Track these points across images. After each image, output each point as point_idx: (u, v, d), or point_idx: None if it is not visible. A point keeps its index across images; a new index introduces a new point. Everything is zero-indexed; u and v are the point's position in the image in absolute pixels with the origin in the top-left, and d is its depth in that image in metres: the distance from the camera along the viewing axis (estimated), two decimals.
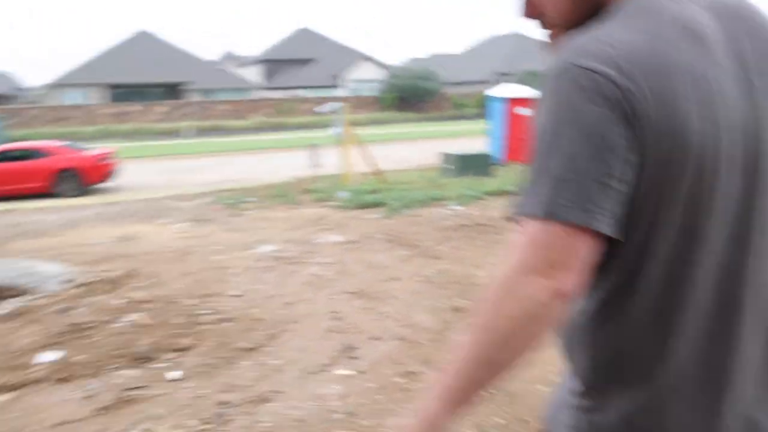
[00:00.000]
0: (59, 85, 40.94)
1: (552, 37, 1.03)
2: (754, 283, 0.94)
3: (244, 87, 45.22)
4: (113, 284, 5.30)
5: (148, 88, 40.73)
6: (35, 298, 4.94)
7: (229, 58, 62.68)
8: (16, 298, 5.00)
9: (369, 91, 45.91)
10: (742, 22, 0.96)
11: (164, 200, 11.07)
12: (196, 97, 41.74)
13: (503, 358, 0.86)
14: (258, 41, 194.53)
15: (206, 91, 42.59)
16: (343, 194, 9.76)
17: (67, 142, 15.84)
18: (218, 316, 4.53)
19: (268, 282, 5.41)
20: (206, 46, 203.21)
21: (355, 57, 50.74)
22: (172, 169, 17.04)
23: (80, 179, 13.60)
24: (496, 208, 8.57)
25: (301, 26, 59.92)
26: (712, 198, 0.89)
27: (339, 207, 9.15)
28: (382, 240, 6.89)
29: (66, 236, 8.55)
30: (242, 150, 22.72)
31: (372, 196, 9.42)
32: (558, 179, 0.83)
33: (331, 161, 12.61)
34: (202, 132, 34.57)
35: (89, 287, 5.21)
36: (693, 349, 0.91)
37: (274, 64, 51.91)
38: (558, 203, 0.82)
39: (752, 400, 0.95)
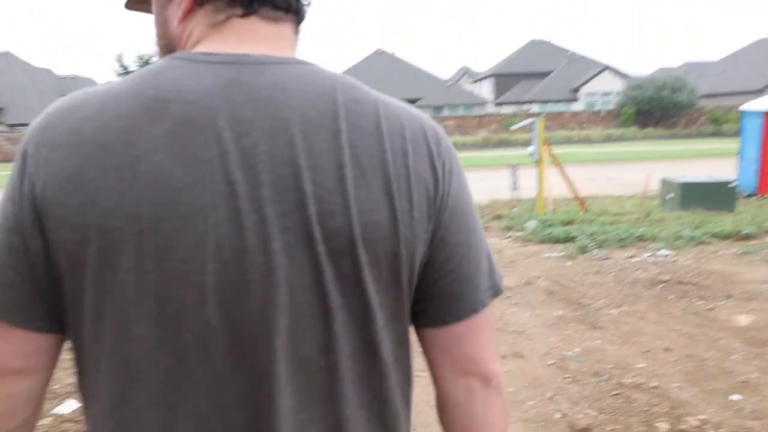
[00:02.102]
0: None
1: None
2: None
3: (473, 103, 41.80)
4: None
5: None
6: None
7: (465, 74, 61.07)
8: None
9: (606, 104, 40.84)
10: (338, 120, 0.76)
11: None
12: (425, 114, 53.35)
13: None
14: (493, 56, 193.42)
15: (436, 108, 41.80)
16: (531, 224, 8.70)
17: None
18: None
19: None
20: (444, 65, 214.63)
21: (594, 68, 42.28)
22: None
23: None
24: (721, 258, 6.71)
25: (535, 38, 54.65)
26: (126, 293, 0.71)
27: (523, 239, 8.08)
28: (541, 291, 5.79)
29: None
30: None
31: (562, 229, 8.19)
32: None
33: (531, 183, 10.75)
34: None
35: None
36: None
37: (506, 78, 42.66)
38: None
39: None
